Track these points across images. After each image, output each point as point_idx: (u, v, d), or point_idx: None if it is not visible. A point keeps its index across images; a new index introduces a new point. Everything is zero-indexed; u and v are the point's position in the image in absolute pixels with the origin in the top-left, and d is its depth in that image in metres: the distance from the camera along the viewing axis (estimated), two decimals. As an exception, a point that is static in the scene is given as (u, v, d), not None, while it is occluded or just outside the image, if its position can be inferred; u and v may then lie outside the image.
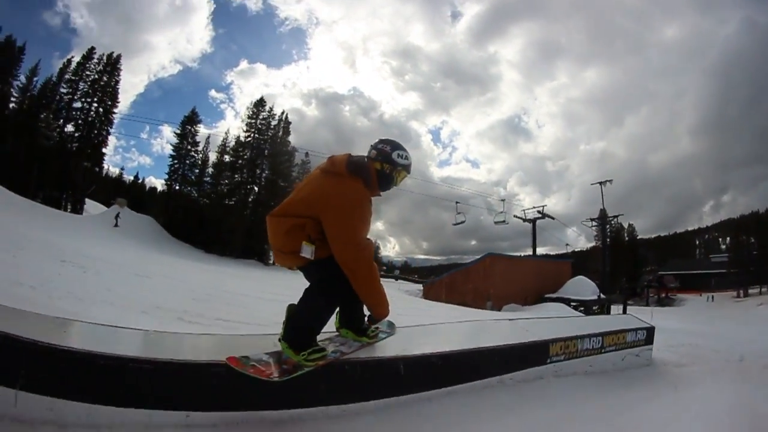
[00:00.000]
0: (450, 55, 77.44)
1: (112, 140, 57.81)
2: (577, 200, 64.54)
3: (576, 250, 51.13)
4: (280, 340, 2.33)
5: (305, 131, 67.98)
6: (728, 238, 47.07)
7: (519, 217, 31.43)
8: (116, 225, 27.81)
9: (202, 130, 39.58)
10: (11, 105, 28.70)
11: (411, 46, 79.52)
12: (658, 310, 34.24)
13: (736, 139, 64.74)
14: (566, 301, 22.46)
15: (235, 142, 38.17)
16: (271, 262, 35.64)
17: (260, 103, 39.43)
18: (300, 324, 2.32)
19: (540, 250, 34.37)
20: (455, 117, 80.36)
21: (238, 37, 79.65)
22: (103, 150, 33.05)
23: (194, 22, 73.64)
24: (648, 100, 71.44)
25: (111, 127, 33.49)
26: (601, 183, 28.73)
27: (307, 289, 2.38)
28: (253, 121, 38.71)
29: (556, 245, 55.70)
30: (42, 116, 29.17)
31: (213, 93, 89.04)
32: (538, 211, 31.40)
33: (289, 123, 40.31)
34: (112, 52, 34.08)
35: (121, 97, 60.68)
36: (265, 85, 70.50)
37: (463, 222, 29.48)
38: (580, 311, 22.38)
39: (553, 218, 31.71)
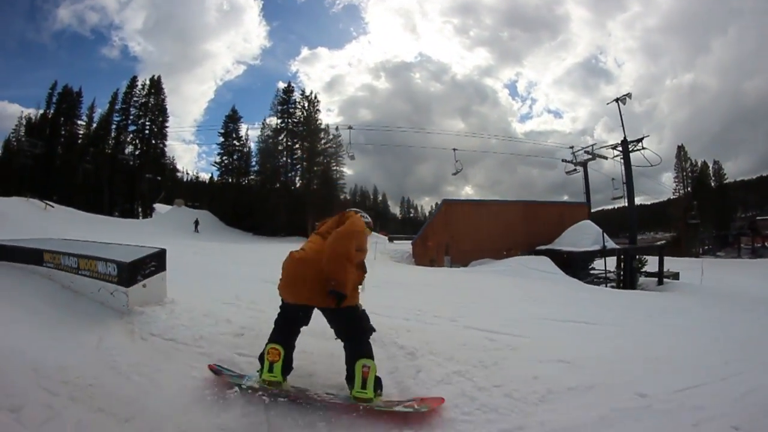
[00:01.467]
0: (511, 1, 71.20)
1: (194, 148, 65.91)
2: (669, 142, 58.26)
3: (672, 198, 46.74)
4: (370, 399, 2.45)
5: (380, 105, 67.02)
6: None
7: (566, 161, 26.15)
8: (196, 230, 31.44)
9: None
10: (79, 141, 36.03)
11: (469, -1, 71.82)
12: (733, 263, 29.48)
13: None
14: (557, 254, 17.84)
15: (272, 130, 41.44)
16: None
17: (288, 89, 42.15)
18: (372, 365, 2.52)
19: (637, 200, 27.58)
20: (529, 67, 71.65)
21: (294, 26, 79.90)
22: (163, 161, 39.73)
23: (247, 21, 75.83)
24: (734, 19, 61.93)
25: (166, 140, 39.85)
26: (617, 100, 21.59)
27: (352, 331, 2.62)
28: (284, 107, 41.43)
29: (653, 194, 51.28)
30: (108, 143, 36.00)
31: (281, 85, 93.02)
32: (586, 152, 25.70)
33: (318, 102, 42.17)
34: (154, 75, 40.01)
35: (192, 106, 68.88)
36: (331, 67, 72.40)
37: (461, 170, 26.98)
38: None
39: (605, 158, 24.86)
